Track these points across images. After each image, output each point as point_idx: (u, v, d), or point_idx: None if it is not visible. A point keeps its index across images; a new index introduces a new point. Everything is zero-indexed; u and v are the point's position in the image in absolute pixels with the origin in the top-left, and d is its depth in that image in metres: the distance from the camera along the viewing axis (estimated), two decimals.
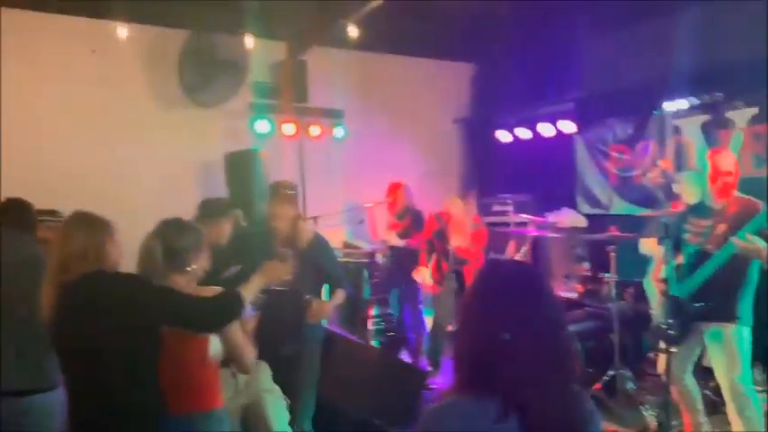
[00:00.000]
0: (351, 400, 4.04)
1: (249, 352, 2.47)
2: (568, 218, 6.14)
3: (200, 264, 2.43)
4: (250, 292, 2.40)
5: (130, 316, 2.08)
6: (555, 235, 5.70)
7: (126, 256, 2.31)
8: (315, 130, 6.44)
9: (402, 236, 5.83)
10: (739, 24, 4.94)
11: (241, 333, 2.45)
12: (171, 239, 2.37)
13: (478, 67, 7.66)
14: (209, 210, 3.42)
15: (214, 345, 2.35)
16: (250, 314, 2.71)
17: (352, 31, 5.32)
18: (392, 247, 6.00)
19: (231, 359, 2.46)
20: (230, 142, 5.97)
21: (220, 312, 2.28)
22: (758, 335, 3.43)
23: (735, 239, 3.15)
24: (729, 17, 5.02)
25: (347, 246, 6.55)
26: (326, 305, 3.69)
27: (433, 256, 5.46)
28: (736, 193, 3.47)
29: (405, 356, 5.75)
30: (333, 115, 6.58)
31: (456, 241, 5.13)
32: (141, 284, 2.19)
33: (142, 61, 5.91)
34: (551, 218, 5.93)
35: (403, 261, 5.88)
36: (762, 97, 4.84)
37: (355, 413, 3.93)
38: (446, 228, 5.33)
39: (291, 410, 3.39)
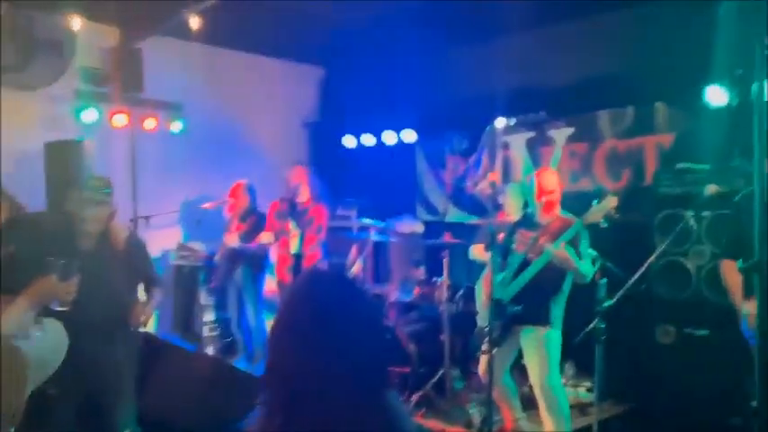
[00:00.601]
0: (179, 412, 3.82)
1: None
2: (408, 224, 6.34)
3: None
4: (13, 315, 1.99)
5: None
6: (395, 240, 5.87)
7: None
8: (150, 123, 6.01)
9: (245, 239, 5.65)
10: (565, 50, 5.42)
11: None
12: None
13: (328, 72, 7.67)
14: None
15: None
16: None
17: (194, 23, 5.05)
18: (232, 250, 5.80)
19: None
20: (52, 131, 5.41)
21: None
22: (569, 336, 3.79)
23: (548, 246, 3.55)
24: (558, 43, 5.49)
25: (182, 248, 6.20)
26: (148, 306, 3.49)
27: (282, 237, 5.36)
28: (559, 210, 3.82)
29: (242, 363, 5.59)
30: (170, 108, 6.18)
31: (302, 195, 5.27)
32: None
33: None
34: (392, 223, 6.09)
35: (243, 263, 5.72)
36: (579, 118, 5.39)
37: (184, 425, 3.73)
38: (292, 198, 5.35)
39: (112, 414, 3.18)
